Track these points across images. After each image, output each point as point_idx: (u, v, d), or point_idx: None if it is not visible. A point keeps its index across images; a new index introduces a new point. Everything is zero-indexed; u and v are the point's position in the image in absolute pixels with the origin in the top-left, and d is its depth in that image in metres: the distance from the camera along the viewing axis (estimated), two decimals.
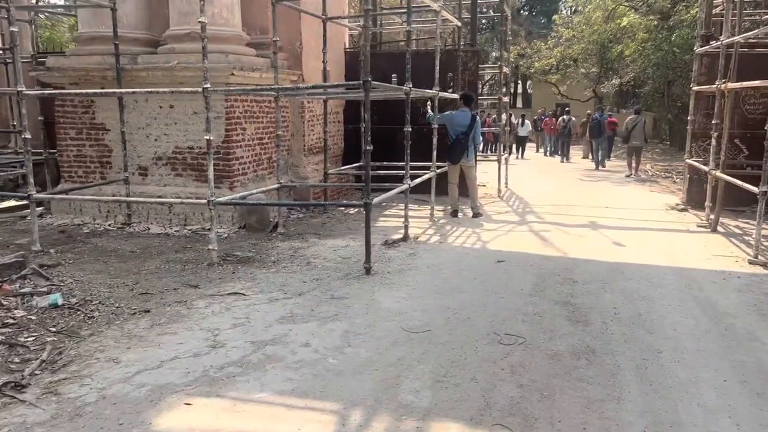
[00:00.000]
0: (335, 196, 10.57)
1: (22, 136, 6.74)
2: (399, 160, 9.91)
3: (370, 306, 5.05)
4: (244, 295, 5.36)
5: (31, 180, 6.93)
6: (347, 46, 11.60)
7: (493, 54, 32.86)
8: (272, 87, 7.27)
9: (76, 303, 5.02)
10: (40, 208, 9.24)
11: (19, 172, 10.00)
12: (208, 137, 6.22)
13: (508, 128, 23.20)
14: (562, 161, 20.52)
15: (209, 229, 8.13)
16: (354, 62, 10.99)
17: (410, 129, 7.35)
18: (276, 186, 7.95)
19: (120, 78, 8.20)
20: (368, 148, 5.79)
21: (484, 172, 13.39)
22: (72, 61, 8.67)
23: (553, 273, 6.12)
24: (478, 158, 11.34)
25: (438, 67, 8.62)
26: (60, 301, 4.92)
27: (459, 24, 10.06)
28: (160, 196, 8.52)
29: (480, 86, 35.73)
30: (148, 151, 8.61)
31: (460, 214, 9.33)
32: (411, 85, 7.23)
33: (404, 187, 7.36)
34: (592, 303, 5.19)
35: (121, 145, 8.39)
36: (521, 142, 22.55)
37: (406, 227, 7.57)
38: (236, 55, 8.30)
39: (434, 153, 8.76)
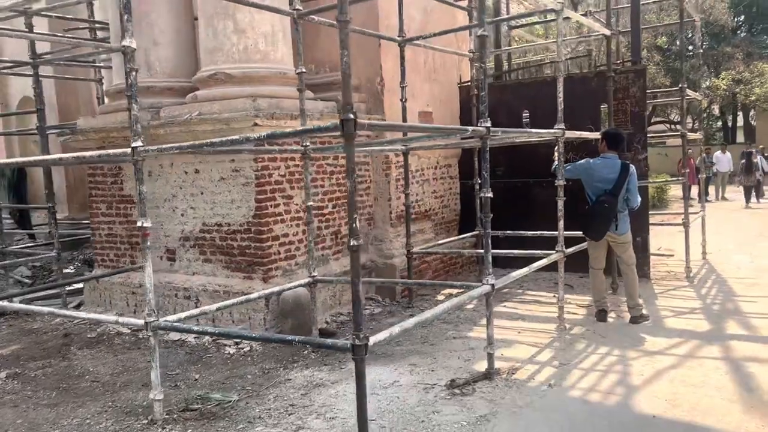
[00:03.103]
0: (436, 281, 7.82)
1: None
2: (535, 224, 7.03)
3: None
4: None
5: None
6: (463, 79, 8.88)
7: (705, 84, 27.39)
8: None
9: None
10: (77, 298, 7.77)
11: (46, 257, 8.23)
12: (142, 222, 3.95)
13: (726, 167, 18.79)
14: None
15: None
16: (469, 99, 8.27)
17: (491, 195, 4.45)
18: (307, 281, 5.44)
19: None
20: (354, 243, 3.05)
21: (679, 232, 9.31)
22: (99, 121, 7.14)
23: None
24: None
25: (561, 96, 5.62)
26: None
27: (608, 32, 6.89)
28: (186, 289, 6.53)
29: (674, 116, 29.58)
30: (175, 230, 6.68)
31: (609, 317, 6.03)
32: (490, 124, 4.38)
33: (482, 289, 4.43)
34: None
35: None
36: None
37: (489, 357, 4.59)
38: (273, 99, 6.10)
39: (560, 223, 5.70)
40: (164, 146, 3.90)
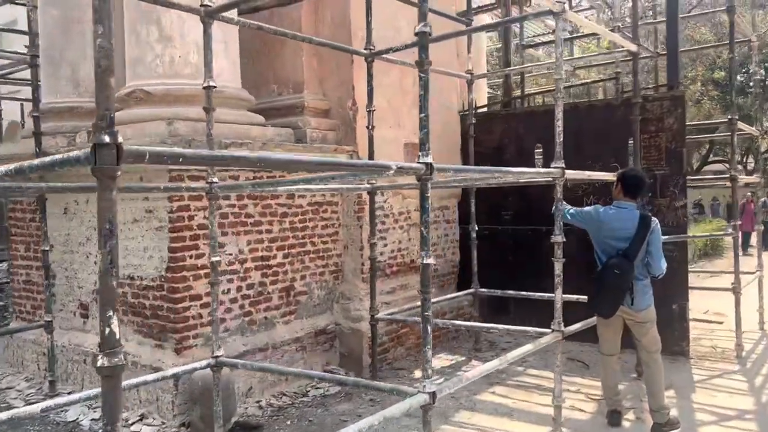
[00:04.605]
0: (407, 358, 6.40)
1: None
2: (546, 281, 5.55)
3: None
4: None
5: None
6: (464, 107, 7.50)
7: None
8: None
9: None
10: None
11: None
12: None
13: None
14: None
15: (132, 424, 4.73)
16: (468, 130, 6.88)
17: (431, 261, 3.09)
18: (207, 362, 4.11)
19: None
20: (106, 369, 1.74)
21: (725, 290, 7.44)
22: (18, 147, 6.10)
23: None
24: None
25: (561, 126, 4.23)
26: None
27: (634, 47, 5.47)
28: (96, 355, 5.30)
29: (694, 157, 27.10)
30: (89, 280, 5.50)
31: (626, 419, 4.49)
32: (431, 159, 3.03)
33: (415, 400, 3.02)
34: None
35: (48, 270, 5.41)
36: None
37: None
38: (200, 123, 4.88)
39: (557, 292, 4.23)
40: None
